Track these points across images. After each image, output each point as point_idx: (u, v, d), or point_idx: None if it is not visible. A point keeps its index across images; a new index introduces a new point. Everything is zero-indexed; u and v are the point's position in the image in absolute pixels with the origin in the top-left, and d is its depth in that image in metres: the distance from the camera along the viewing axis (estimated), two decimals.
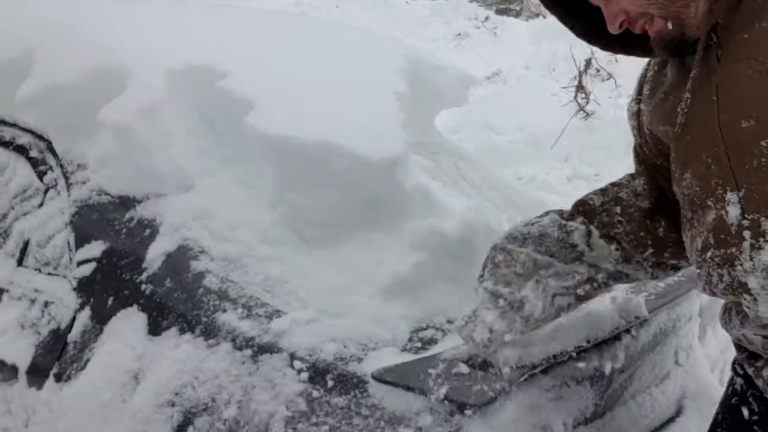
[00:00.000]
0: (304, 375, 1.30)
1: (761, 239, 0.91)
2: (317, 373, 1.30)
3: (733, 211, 0.93)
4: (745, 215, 0.92)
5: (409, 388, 1.22)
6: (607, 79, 6.67)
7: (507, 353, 1.20)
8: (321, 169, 1.58)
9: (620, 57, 7.19)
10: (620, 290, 1.40)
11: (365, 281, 1.51)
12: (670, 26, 1.01)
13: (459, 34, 10.08)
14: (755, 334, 1.05)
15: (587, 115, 6.13)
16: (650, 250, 1.22)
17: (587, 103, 6.14)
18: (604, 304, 1.35)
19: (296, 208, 1.60)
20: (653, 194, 1.25)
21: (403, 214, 1.60)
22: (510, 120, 6.39)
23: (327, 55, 1.96)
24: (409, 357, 1.31)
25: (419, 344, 1.38)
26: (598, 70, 6.63)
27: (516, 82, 7.80)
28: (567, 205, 1.31)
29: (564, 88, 6.34)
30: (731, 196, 0.93)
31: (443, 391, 1.19)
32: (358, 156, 1.55)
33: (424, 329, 1.43)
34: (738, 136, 0.93)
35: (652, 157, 1.24)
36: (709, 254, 0.98)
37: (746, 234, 0.92)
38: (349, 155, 1.54)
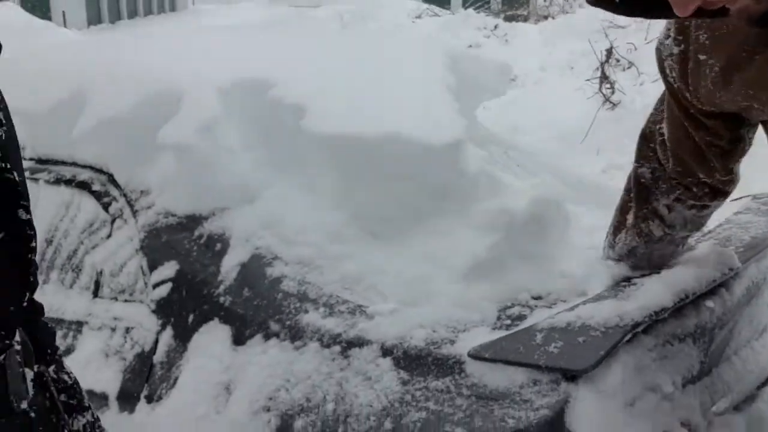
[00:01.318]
0: (398, 363, 1.28)
1: None
2: (411, 359, 1.28)
3: None
4: None
5: (509, 362, 1.19)
6: (629, 67, 6.62)
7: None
8: (382, 162, 1.58)
9: (639, 44, 7.05)
10: (710, 244, 1.37)
11: (443, 268, 1.49)
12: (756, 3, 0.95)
13: (470, 45, 10.10)
14: None
15: (614, 105, 6.07)
16: None
17: (612, 93, 6.09)
18: (698, 258, 1.32)
19: (362, 205, 1.59)
20: None
21: (470, 198, 1.59)
22: (536, 120, 6.35)
23: (370, 56, 1.97)
24: (502, 334, 1.29)
25: (509, 322, 1.35)
26: (618, 60, 6.58)
27: (534, 85, 7.76)
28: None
29: (588, 80, 6.30)
30: None
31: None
32: (420, 144, 1.54)
33: (510, 307, 1.40)
34: None
35: None
36: None
37: None
38: (410, 144, 1.54)
